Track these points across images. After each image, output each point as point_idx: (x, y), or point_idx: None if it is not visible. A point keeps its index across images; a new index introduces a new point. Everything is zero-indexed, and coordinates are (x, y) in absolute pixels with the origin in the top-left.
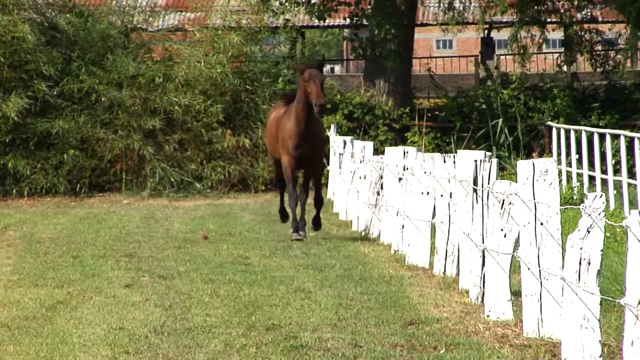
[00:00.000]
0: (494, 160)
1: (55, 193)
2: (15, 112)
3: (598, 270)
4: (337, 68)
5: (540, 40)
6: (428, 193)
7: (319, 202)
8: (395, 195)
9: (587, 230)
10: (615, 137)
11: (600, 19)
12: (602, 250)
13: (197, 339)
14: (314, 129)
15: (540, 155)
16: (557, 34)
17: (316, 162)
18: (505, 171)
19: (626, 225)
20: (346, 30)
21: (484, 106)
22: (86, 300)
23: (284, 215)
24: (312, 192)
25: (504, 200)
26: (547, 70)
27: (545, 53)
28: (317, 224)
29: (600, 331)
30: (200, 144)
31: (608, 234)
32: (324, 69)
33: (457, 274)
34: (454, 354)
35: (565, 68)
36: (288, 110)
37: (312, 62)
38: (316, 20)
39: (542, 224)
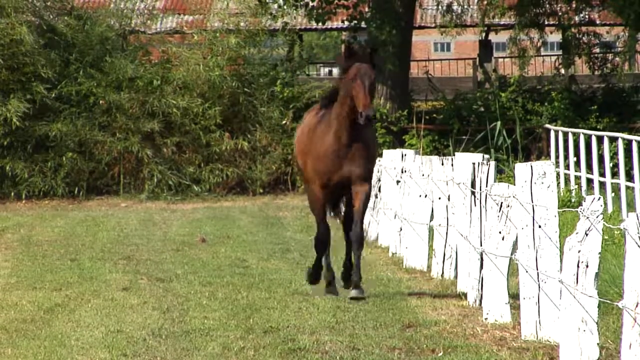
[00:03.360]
0: (492, 163)
1: (53, 196)
2: (18, 117)
3: (596, 273)
4: (335, 71)
5: (539, 43)
6: (426, 196)
7: (359, 238)
8: (393, 197)
9: (585, 233)
10: (613, 140)
11: (598, 21)
12: (600, 253)
13: (195, 342)
14: (360, 144)
15: (539, 158)
16: (556, 37)
17: (362, 188)
18: (504, 174)
19: (624, 228)
20: (344, 33)
21: (482, 109)
22: (84, 303)
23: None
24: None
25: (502, 202)
26: (545, 73)
27: (543, 56)
28: (355, 277)
29: (599, 334)
30: (198, 146)
31: (606, 237)
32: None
33: (455, 277)
34: (451, 356)
35: (563, 71)
36: (325, 116)
37: (362, 53)
38: (314, 23)
39: (540, 226)
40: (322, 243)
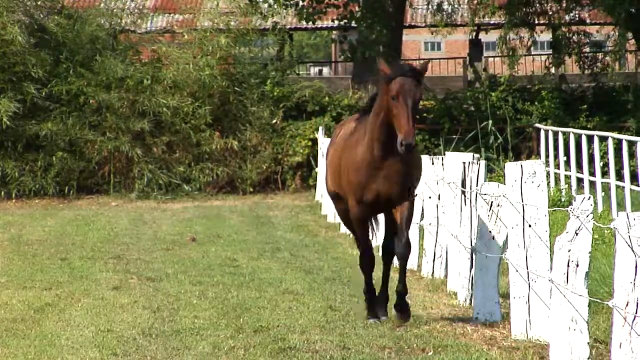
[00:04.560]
0: (482, 162)
1: (44, 195)
2: (8, 116)
3: (586, 272)
4: (325, 70)
5: (529, 42)
6: (416, 195)
7: (405, 250)
8: None
9: (576, 232)
10: (603, 139)
11: (588, 20)
12: (590, 252)
13: (185, 341)
14: (398, 160)
15: (529, 157)
16: (546, 36)
17: (404, 201)
18: (494, 173)
19: (614, 228)
20: (335, 32)
21: (472, 108)
22: (74, 303)
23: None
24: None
25: (492, 202)
26: (536, 72)
27: (533, 55)
28: (403, 308)
29: (589, 333)
30: (188, 145)
31: (596, 236)
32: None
33: (446, 276)
34: (442, 356)
35: (553, 70)
36: (360, 126)
37: (407, 67)
38: (305, 23)
39: (530, 225)
40: (367, 260)
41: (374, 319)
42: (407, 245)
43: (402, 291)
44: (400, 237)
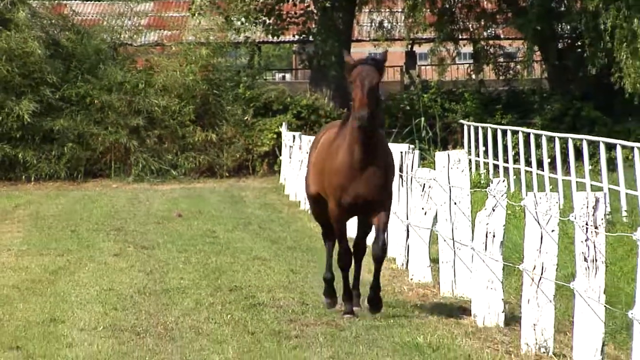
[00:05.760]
0: (417, 152)
1: (57, 179)
2: (28, 114)
3: (501, 241)
4: (288, 76)
5: (454, 54)
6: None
7: (381, 253)
8: None
9: (493, 209)
10: (514, 133)
11: (502, 36)
12: (504, 225)
13: (173, 298)
14: (376, 157)
15: (454, 147)
16: (468, 49)
17: (381, 205)
18: (426, 160)
19: (524, 205)
20: (295, 45)
21: (407, 107)
22: (82, 267)
23: (331, 293)
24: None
25: (424, 184)
26: (460, 78)
27: (458, 64)
28: (375, 300)
29: (503, 291)
30: (175, 138)
31: (509, 212)
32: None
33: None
34: (383, 310)
35: (474, 76)
36: (341, 131)
37: (368, 57)
38: (271, 37)
39: (455, 203)
40: (344, 258)
41: (350, 315)
42: (384, 249)
43: (376, 287)
44: (377, 240)
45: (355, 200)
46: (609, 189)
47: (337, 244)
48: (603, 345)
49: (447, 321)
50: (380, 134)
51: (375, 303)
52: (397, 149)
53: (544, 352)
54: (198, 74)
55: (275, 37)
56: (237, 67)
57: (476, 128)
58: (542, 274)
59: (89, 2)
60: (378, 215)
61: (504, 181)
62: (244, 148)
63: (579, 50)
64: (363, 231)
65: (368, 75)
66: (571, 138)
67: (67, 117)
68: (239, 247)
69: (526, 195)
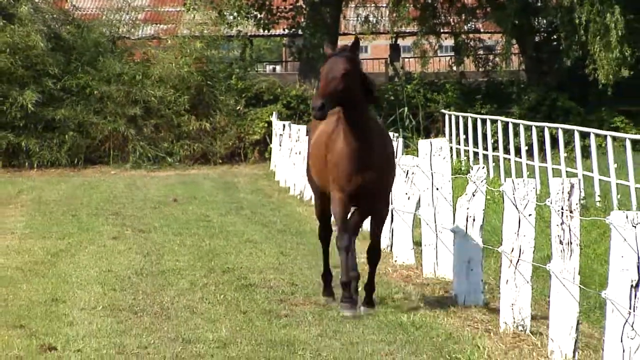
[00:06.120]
0: (400, 140)
1: (58, 165)
2: (31, 104)
3: (481, 225)
4: (278, 68)
5: (436, 46)
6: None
7: (374, 256)
8: None
9: (473, 194)
10: (493, 122)
11: (482, 29)
12: (484, 209)
13: (169, 279)
14: (373, 145)
15: (436, 135)
16: (449, 42)
17: (379, 196)
18: (409, 148)
19: (502, 190)
20: (285, 38)
21: (392, 98)
22: (82, 249)
23: (329, 286)
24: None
25: (408, 170)
26: (442, 69)
27: (440, 56)
28: (370, 300)
29: (482, 272)
30: (171, 127)
31: (488, 197)
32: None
33: None
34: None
35: (455, 68)
36: (339, 122)
37: (342, 48)
38: (262, 31)
39: (437, 189)
40: (346, 249)
41: (348, 303)
42: (378, 253)
43: (370, 290)
44: (373, 244)
45: (359, 185)
46: (583, 175)
47: (333, 241)
48: (578, 323)
49: (430, 301)
50: (371, 121)
51: (370, 303)
52: None
53: (521, 330)
54: (192, 66)
55: (266, 31)
56: (229, 59)
57: (457, 117)
58: (519, 256)
59: None
60: (375, 219)
61: (483, 168)
62: (236, 136)
63: (555, 43)
64: (358, 223)
65: (331, 68)
66: (547, 127)
67: (68, 107)
68: (232, 230)
69: (505, 181)
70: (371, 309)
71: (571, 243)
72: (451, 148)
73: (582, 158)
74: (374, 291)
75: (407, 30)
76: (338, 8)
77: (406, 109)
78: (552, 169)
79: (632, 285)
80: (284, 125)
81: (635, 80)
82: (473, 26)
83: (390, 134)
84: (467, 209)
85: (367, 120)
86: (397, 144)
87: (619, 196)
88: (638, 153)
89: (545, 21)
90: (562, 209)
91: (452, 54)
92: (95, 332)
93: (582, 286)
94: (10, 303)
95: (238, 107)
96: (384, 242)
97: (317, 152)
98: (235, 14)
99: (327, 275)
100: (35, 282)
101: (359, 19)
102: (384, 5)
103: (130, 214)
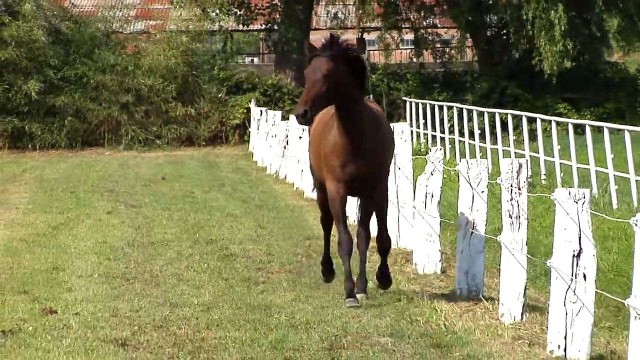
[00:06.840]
0: None
1: (58, 147)
2: (35, 92)
3: (438, 201)
4: (256, 60)
5: (398, 40)
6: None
7: (385, 245)
8: (296, 148)
9: (431, 173)
10: (449, 108)
11: (439, 25)
12: (441, 187)
13: (158, 250)
14: (370, 136)
15: (398, 120)
16: (410, 36)
17: (378, 185)
18: None
19: (458, 170)
20: (262, 32)
21: None
22: (80, 223)
23: (329, 270)
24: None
25: None
26: (403, 61)
27: (401, 49)
28: (384, 277)
29: (440, 244)
30: (160, 112)
31: (445, 176)
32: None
33: None
34: (337, 259)
35: (415, 59)
36: (331, 118)
37: (322, 47)
38: (241, 26)
39: (399, 168)
40: (345, 244)
41: (352, 300)
42: (388, 241)
43: (386, 281)
44: (381, 235)
45: (355, 176)
46: (530, 156)
47: (336, 234)
48: (525, 289)
49: (392, 269)
50: (366, 110)
51: (385, 277)
52: None
53: (475, 295)
54: (179, 57)
55: (245, 26)
56: (212, 52)
57: (417, 104)
58: (473, 229)
59: None
60: (377, 211)
61: (440, 149)
62: (218, 121)
63: (505, 37)
64: (364, 214)
65: (314, 72)
66: (498, 113)
67: (67, 94)
68: (214, 205)
69: (460, 161)
70: (388, 285)
71: (519, 217)
72: (412, 132)
73: (529, 140)
74: (390, 283)
75: (372, 26)
76: (310, 5)
77: (371, 96)
78: (502, 150)
79: (574, 255)
80: (261, 111)
81: (577, 71)
82: (431, 22)
83: None
84: (426, 186)
85: (360, 111)
86: None
87: (562, 175)
88: (579, 136)
89: (496, 17)
90: (511, 186)
91: (413, 47)
92: (92, 297)
93: (529, 256)
94: (15, 271)
95: (220, 95)
96: (352, 217)
97: (315, 141)
98: (218, 11)
99: (327, 264)
100: (37, 252)
101: (329, 15)
102: (351, 3)
103: (123, 191)
